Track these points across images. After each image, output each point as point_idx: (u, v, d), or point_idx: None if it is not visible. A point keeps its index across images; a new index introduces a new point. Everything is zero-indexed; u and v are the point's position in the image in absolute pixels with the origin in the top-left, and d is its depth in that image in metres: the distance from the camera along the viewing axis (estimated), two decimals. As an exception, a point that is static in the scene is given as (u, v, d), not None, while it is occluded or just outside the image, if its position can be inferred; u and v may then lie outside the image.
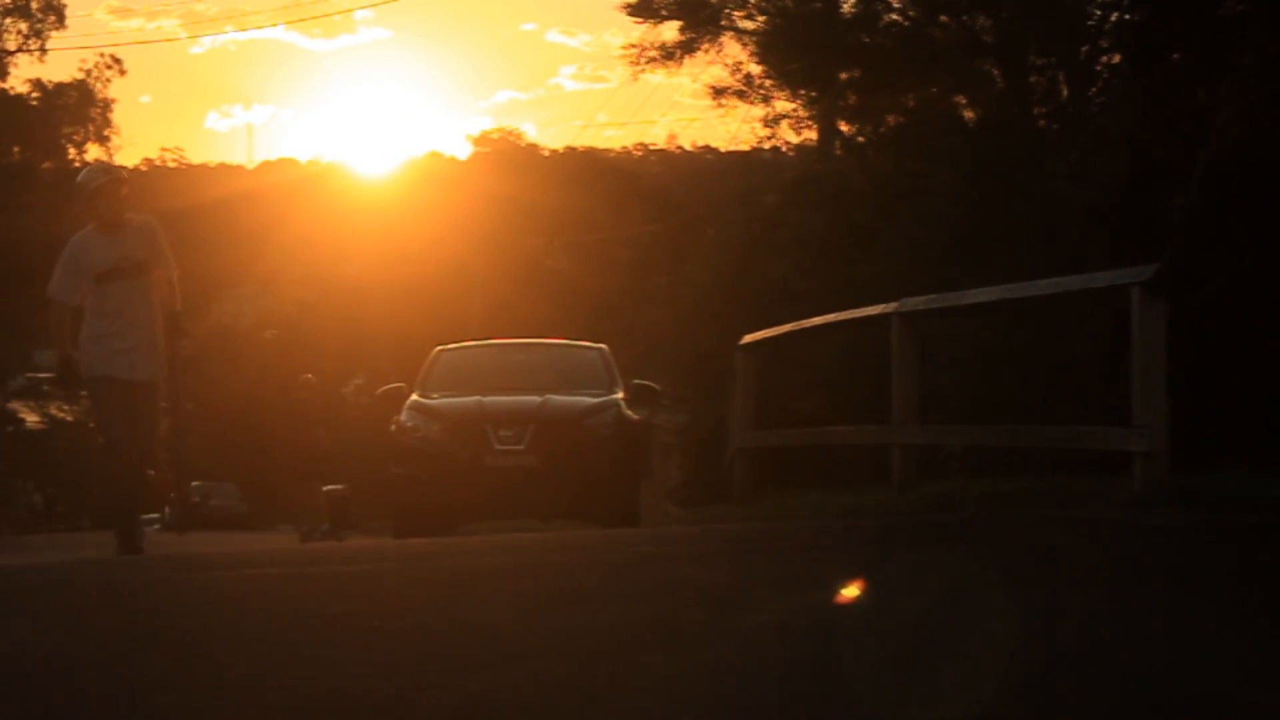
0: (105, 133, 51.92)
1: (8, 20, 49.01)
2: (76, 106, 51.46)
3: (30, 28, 49.05)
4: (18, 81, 51.78)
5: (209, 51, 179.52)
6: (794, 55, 22.52)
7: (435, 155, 71.24)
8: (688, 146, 78.37)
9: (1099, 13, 19.10)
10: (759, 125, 25.60)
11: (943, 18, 20.99)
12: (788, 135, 25.71)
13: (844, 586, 5.11)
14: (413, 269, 49.76)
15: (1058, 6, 19.33)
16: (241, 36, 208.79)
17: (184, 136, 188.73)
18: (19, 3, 48.83)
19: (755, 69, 24.71)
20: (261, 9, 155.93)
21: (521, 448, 12.59)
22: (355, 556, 7.67)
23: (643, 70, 26.71)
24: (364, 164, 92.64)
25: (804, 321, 13.97)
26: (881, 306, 11.98)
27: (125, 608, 5.48)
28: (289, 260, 59.10)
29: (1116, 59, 18.07)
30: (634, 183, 55.65)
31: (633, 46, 26.61)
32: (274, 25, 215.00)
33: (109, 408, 9.60)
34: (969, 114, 21.52)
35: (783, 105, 24.78)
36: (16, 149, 50.46)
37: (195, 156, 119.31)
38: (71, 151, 51.28)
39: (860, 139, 24.02)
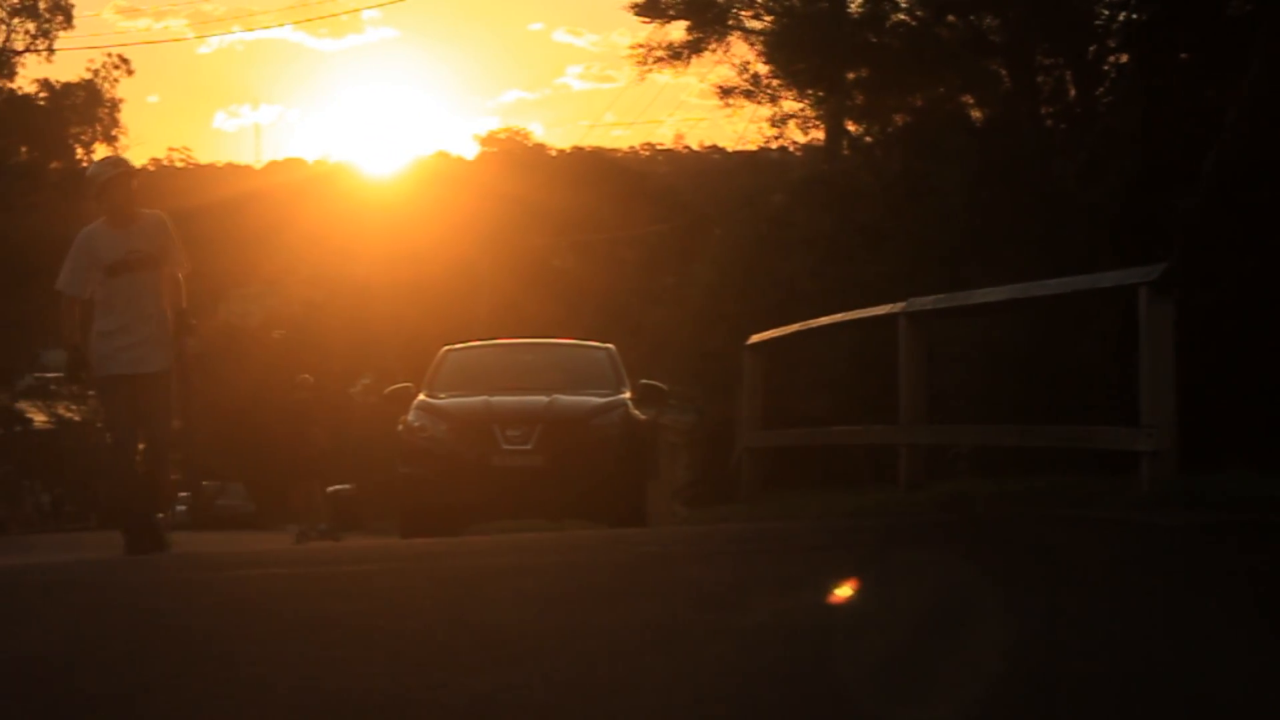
0: (113, 133, 52.03)
1: (15, 20, 49.12)
2: (84, 106, 51.54)
3: (38, 28, 49.14)
4: (25, 81, 52.07)
5: (216, 51, 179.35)
6: (801, 55, 22.49)
7: (442, 155, 71.50)
8: (695, 146, 78.49)
9: (1106, 12, 19.07)
10: (766, 125, 25.58)
11: (950, 17, 20.94)
12: (795, 135, 25.71)
13: (846, 587, 5.11)
14: (420, 269, 49.77)
15: (1065, 6, 19.30)
16: (249, 36, 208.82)
17: (191, 136, 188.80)
18: (27, 3, 48.90)
19: (762, 69, 24.68)
20: (269, 9, 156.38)
21: (529, 448, 12.57)
22: (359, 557, 7.67)
23: (650, 70, 26.66)
24: (371, 164, 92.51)
25: (811, 321, 13.96)
26: (889, 306, 11.97)
27: (130, 608, 5.48)
28: (296, 260, 59.16)
29: (1124, 59, 18.03)
30: (641, 183, 55.64)
31: (640, 46, 26.57)
32: (281, 25, 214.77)
33: (117, 407, 9.62)
34: (976, 114, 21.48)
35: (790, 105, 24.75)
36: (24, 149, 50.54)
37: (202, 156, 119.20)
38: (79, 151, 51.33)
39: (867, 139, 24.01)
